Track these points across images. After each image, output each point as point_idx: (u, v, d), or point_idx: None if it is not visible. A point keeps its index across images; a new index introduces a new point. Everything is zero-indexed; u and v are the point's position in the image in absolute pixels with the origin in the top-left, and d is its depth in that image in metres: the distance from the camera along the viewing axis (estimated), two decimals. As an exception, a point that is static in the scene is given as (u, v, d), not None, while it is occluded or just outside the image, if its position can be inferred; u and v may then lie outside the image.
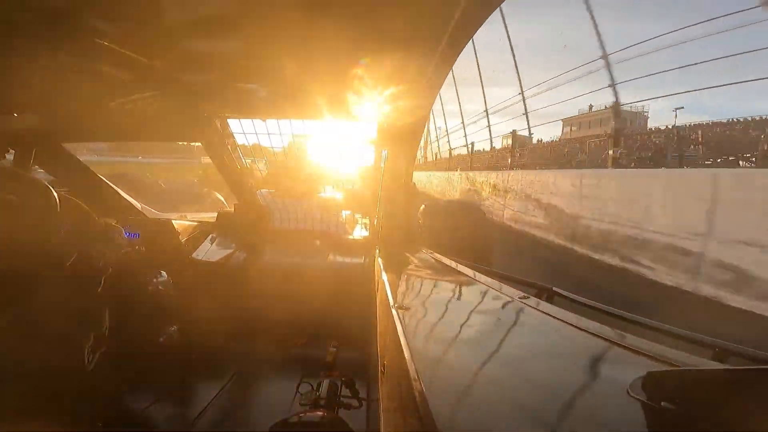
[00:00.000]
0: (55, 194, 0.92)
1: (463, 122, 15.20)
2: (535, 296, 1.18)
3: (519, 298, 0.97)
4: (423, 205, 3.11)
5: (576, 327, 0.72)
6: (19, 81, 1.04)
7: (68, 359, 0.95)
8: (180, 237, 1.60)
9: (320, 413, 0.89)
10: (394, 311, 0.78)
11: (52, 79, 1.06)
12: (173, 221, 1.72)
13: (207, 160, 1.78)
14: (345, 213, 2.81)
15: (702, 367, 0.56)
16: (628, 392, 0.44)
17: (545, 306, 0.92)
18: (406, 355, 0.56)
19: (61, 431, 1.01)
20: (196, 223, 2.02)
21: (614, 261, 4.74)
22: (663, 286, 4.18)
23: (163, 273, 1.28)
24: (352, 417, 0.96)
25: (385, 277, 1.14)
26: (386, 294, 0.95)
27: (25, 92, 1.13)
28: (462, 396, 0.48)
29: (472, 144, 14.20)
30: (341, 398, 1.04)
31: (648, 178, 4.96)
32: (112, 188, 1.78)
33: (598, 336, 0.66)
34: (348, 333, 1.42)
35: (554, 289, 1.20)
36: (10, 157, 1.41)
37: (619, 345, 0.62)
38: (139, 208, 1.91)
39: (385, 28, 0.82)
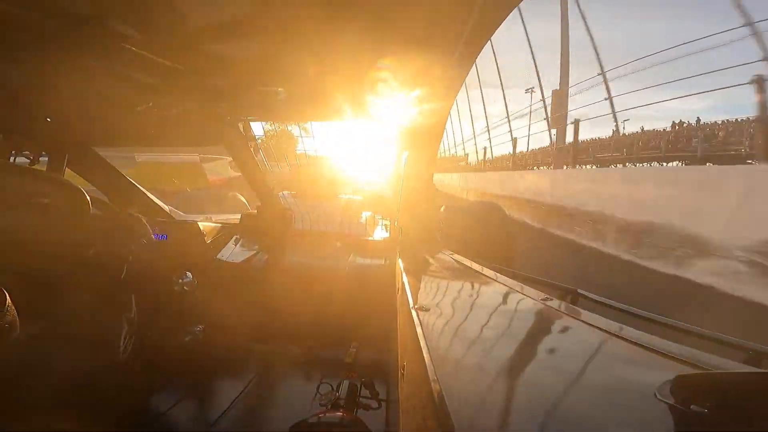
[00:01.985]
0: (87, 197, 0.95)
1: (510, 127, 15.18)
2: (558, 298, 1.15)
3: (541, 299, 0.95)
4: (443, 206, 3.08)
5: (601, 329, 0.70)
6: (51, 87, 1.09)
7: (104, 342, 0.98)
8: (205, 238, 1.63)
9: (339, 414, 0.90)
10: (414, 312, 0.78)
11: (83, 85, 1.10)
12: (198, 223, 1.76)
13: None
14: (366, 214, 2.82)
15: (733, 370, 0.54)
16: (655, 396, 0.42)
17: (569, 308, 0.90)
18: (425, 357, 0.55)
19: (87, 431, 1.05)
20: (220, 225, 2.07)
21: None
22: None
23: (189, 274, 1.31)
24: (372, 418, 0.96)
25: (405, 278, 1.14)
26: (406, 295, 0.95)
27: (58, 98, 1.18)
28: (482, 398, 0.48)
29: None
30: (361, 399, 1.04)
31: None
32: (141, 191, 1.84)
33: (624, 338, 0.64)
34: (368, 334, 1.42)
35: (578, 290, 1.17)
36: (44, 161, 1.47)
37: (645, 348, 0.60)
38: (167, 211, 1.96)
39: (404, 30, 0.82)
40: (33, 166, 1.37)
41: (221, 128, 1.55)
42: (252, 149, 1.73)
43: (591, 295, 1.14)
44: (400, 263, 1.40)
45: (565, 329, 0.78)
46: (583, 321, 0.75)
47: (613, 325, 0.70)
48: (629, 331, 0.67)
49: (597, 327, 0.71)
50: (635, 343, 0.62)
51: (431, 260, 1.56)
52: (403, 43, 0.88)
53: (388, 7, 0.74)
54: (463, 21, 0.75)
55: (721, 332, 0.84)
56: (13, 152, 1.36)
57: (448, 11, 0.73)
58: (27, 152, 1.37)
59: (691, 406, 0.39)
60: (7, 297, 0.69)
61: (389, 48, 0.92)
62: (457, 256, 1.62)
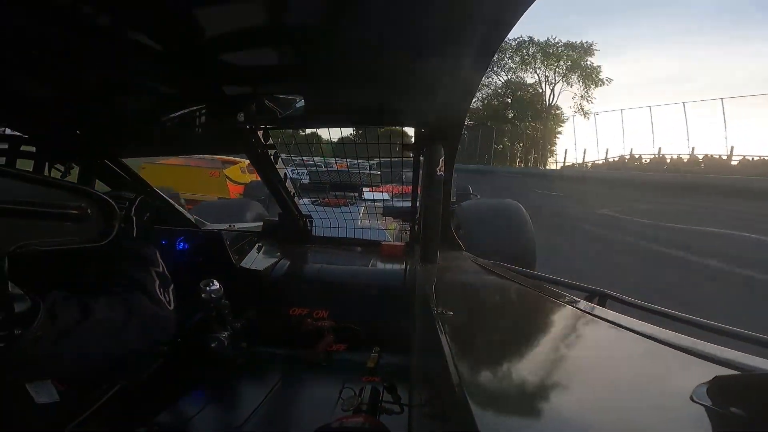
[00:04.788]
0: (117, 207, 0.97)
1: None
2: (585, 300, 1.12)
3: (567, 302, 0.92)
4: (458, 205, 3.04)
5: (631, 330, 0.67)
6: (80, 100, 1.13)
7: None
8: (229, 247, 1.66)
9: (362, 419, 0.89)
10: (435, 316, 0.77)
11: (109, 98, 1.14)
12: (222, 231, 1.80)
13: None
14: (385, 218, 2.82)
15: None
16: (692, 398, 0.40)
17: (598, 310, 0.87)
18: (448, 361, 0.54)
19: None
20: (243, 233, 2.10)
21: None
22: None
23: (215, 282, 1.34)
24: (394, 423, 0.95)
25: (425, 281, 1.13)
26: (428, 299, 0.94)
27: (86, 111, 1.23)
28: (506, 403, 0.47)
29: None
30: (383, 404, 1.03)
31: None
32: (168, 201, 1.89)
33: (656, 340, 0.61)
34: (390, 338, 1.42)
35: (607, 291, 1.14)
36: (74, 172, 1.52)
37: (678, 349, 0.57)
38: (193, 220, 2.01)
39: (419, 31, 0.82)
40: (65, 178, 1.42)
41: (241, 136, 1.58)
42: (272, 156, 1.75)
43: (620, 296, 1.11)
44: (420, 266, 1.39)
45: (593, 331, 0.76)
46: (612, 322, 0.73)
47: (644, 327, 0.68)
48: (661, 332, 0.64)
49: (627, 328, 0.69)
50: (668, 344, 0.59)
51: (452, 264, 1.54)
52: (420, 44, 0.88)
53: (400, 10, 0.74)
54: (477, 22, 0.75)
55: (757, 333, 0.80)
56: (47, 164, 1.42)
57: (459, 14, 0.73)
58: (58, 164, 1.42)
59: (731, 409, 0.37)
60: (41, 306, 0.71)
61: (403, 51, 0.92)
62: (477, 259, 1.61)
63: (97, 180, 1.65)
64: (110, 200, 0.95)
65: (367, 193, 3.57)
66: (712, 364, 0.52)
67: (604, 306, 1.12)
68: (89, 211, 0.90)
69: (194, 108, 1.18)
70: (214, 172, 7.75)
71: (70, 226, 0.88)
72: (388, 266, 1.79)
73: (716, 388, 0.40)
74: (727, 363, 0.51)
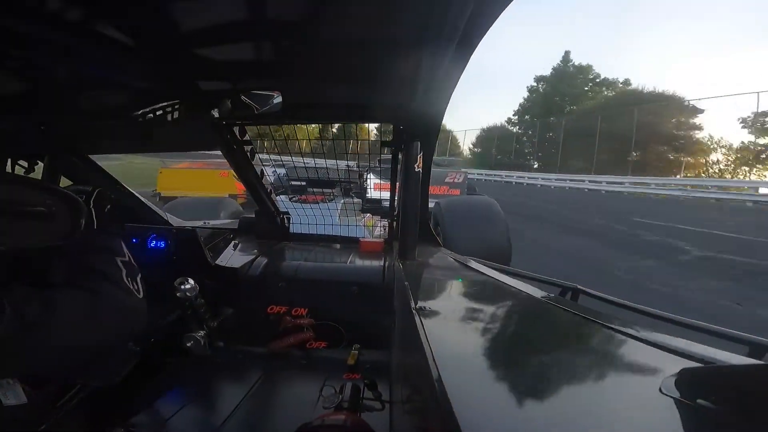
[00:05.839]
0: (83, 204, 0.94)
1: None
2: (559, 295, 1.16)
3: (542, 297, 0.95)
4: (435, 202, 3.07)
5: (602, 325, 0.70)
6: (45, 95, 1.09)
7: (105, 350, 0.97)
8: (203, 244, 1.63)
9: (343, 416, 0.89)
10: (414, 312, 0.78)
11: (76, 92, 1.10)
12: (197, 228, 1.76)
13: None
14: (364, 215, 2.82)
15: (736, 363, 0.54)
16: (660, 391, 0.43)
17: (570, 304, 0.90)
18: (428, 357, 0.55)
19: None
20: (218, 230, 2.06)
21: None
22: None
23: (190, 280, 1.31)
24: (376, 419, 0.96)
25: (405, 278, 1.14)
26: (407, 295, 0.95)
27: (51, 106, 1.18)
28: (485, 397, 0.48)
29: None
30: (364, 401, 1.04)
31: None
32: (139, 199, 1.84)
33: (626, 334, 0.64)
34: (370, 335, 1.42)
35: (578, 287, 1.18)
36: (39, 169, 1.46)
37: (648, 343, 0.60)
38: (165, 218, 1.96)
39: (399, 26, 0.82)
40: (29, 175, 1.36)
41: (216, 133, 1.55)
42: (248, 153, 1.72)
43: (591, 291, 1.15)
44: (399, 263, 1.40)
45: (566, 326, 0.79)
46: (584, 317, 0.76)
47: (615, 321, 0.70)
48: (630, 327, 0.67)
49: (599, 322, 0.71)
50: (637, 338, 0.62)
51: (430, 260, 1.56)
52: (398, 40, 0.88)
53: (380, 7, 0.74)
54: (456, 18, 0.76)
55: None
56: (9, 161, 1.36)
57: (440, 10, 0.73)
58: (22, 161, 1.37)
59: (698, 401, 0.39)
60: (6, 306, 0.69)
61: (382, 48, 0.92)
62: (455, 255, 1.63)
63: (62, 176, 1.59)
64: (76, 197, 0.92)
65: (373, 192, 3.55)
66: (680, 357, 0.54)
67: (576, 300, 1.16)
68: (55, 208, 0.87)
69: (167, 103, 1.14)
70: (223, 173, 8.44)
71: (36, 224, 0.85)
72: (367, 263, 1.79)
73: (683, 380, 0.42)
74: (693, 356, 0.54)
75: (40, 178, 1.42)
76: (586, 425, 0.40)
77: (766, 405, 0.35)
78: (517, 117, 38.02)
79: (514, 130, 37.06)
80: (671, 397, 0.41)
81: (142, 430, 1.09)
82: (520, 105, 38.12)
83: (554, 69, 35.05)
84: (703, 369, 0.50)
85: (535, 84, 36.85)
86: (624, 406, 0.44)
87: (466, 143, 41.73)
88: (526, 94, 37.26)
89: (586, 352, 0.65)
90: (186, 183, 8.30)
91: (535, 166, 30.27)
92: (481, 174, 27.09)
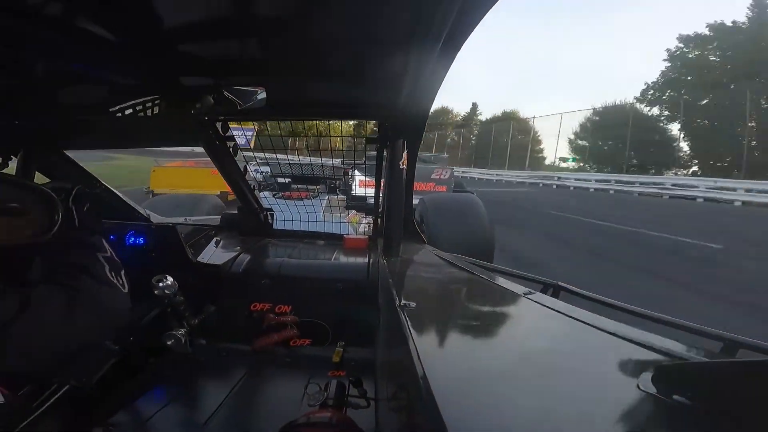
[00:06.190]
0: (58, 201, 0.92)
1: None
2: (541, 291, 1.18)
3: (524, 293, 0.97)
4: (420, 198, 3.08)
5: (583, 322, 0.72)
6: (20, 89, 1.05)
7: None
8: (184, 241, 1.60)
9: (328, 414, 0.89)
10: (399, 309, 0.78)
11: (52, 87, 1.06)
12: (177, 225, 1.73)
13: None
14: (348, 212, 2.81)
15: (710, 359, 0.56)
16: (638, 387, 0.44)
17: (551, 301, 0.92)
18: (412, 353, 0.56)
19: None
20: (200, 227, 2.03)
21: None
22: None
23: (169, 277, 1.29)
24: (361, 416, 0.96)
25: (389, 275, 1.15)
26: (391, 292, 0.95)
27: (26, 100, 1.14)
28: (469, 393, 0.48)
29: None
30: (349, 398, 1.04)
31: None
32: (116, 195, 1.79)
33: (606, 331, 0.66)
34: (354, 332, 1.43)
35: (560, 284, 1.20)
36: (12, 164, 1.41)
37: (626, 339, 0.62)
38: (144, 214, 1.91)
39: (385, 25, 0.82)
40: (2, 170, 1.32)
41: (199, 128, 1.53)
42: (231, 149, 1.70)
43: (572, 288, 1.17)
44: (383, 260, 1.40)
45: (547, 322, 0.80)
46: (565, 314, 0.77)
47: (595, 318, 0.72)
48: (610, 323, 0.69)
49: (578, 320, 0.73)
50: (616, 335, 0.64)
51: (415, 257, 1.57)
52: (384, 38, 0.88)
53: (367, 5, 0.74)
54: (442, 17, 0.76)
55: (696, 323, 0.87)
56: None
57: (427, 9, 0.74)
58: None
59: (674, 396, 0.40)
60: None
61: (368, 45, 0.92)
62: (439, 252, 1.64)
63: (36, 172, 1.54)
64: (51, 193, 0.90)
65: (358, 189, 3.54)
66: (657, 353, 0.56)
67: (557, 297, 1.18)
68: (28, 205, 0.85)
69: (147, 99, 1.12)
70: (214, 171, 8.14)
71: (8, 221, 0.83)
72: (352, 260, 1.79)
73: (660, 376, 0.43)
74: (670, 353, 0.56)
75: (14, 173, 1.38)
76: (566, 420, 0.41)
77: (739, 400, 0.36)
78: (652, 95, 27.04)
79: (650, 113, 26.39)
80: (648, 392, 0.42)
81: (123, 430, 1.07)
82: (656, 79, 27.25)
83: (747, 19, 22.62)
84: (678, 365, 0.52)
85: (682, 45, 26.10)
86: (603, 402, 0.45)
87: (563, 133, 28.24)
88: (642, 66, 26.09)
89: (566, 348, 0.67)
90: (178, 181, 8.27)
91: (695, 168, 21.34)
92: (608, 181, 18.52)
